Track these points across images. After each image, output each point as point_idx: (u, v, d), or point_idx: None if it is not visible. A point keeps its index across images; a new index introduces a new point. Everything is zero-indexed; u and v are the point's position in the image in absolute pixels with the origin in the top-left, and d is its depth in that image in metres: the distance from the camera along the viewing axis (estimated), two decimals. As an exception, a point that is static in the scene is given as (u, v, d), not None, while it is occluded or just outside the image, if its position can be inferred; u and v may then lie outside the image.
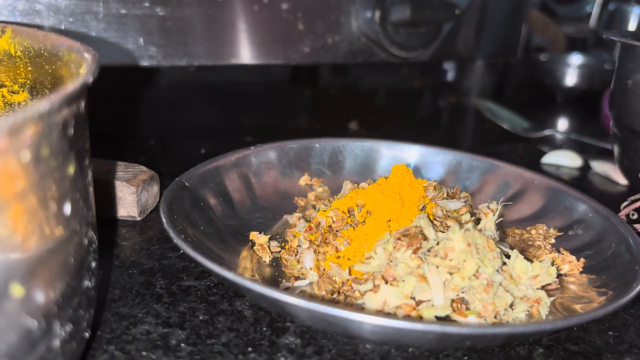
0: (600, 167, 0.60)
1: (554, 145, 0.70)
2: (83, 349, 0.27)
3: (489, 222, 0.35)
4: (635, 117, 0.45)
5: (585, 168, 0.62)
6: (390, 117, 0.80)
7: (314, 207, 0.45)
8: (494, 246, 0.32)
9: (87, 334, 0.27)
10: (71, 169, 0.23)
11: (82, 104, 0.24)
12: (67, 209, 0.23)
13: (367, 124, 0.73)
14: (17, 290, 0.20)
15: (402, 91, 0.99)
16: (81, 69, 0.27)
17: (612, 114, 0.50)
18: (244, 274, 0.36)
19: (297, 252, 0.38)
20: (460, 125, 0.80)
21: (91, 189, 0.27)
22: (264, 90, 0.93)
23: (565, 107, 0.91)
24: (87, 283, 0.26)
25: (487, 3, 0.78)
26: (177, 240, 0.31)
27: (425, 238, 0.33)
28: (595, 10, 1.05)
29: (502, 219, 0.43)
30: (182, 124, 0.72)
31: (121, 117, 0.73)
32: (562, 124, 0.82)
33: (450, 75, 0.98)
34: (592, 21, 1.06)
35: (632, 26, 1.04)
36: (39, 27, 0.35)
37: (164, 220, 0.33)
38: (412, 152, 0.49)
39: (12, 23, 0.37)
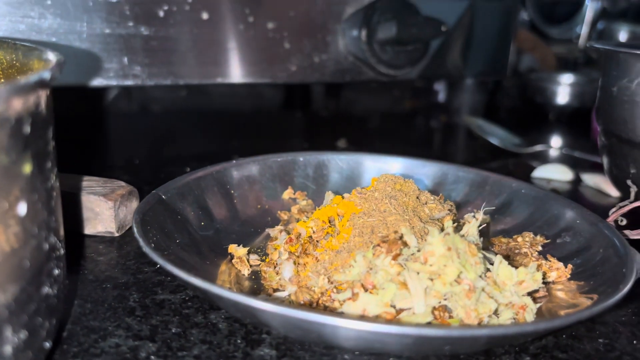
0: (592, 179, 0.59)
1: (545, 160, 0.69)
2: (43, 360, 0.26)
3: (471, 227, 0.34)
4: (621, 123, 0.44)
5: (577, 181, 0.61)
6: (379, 137, 0.79)
7: (297, 220, 0.44)
8: (476, 251, 0.31)
9: (47, 344, 0.25)
10: (26, 168, 0.22)
11: (42, 103, 0.24)
12: (22, 209, 0.22)
13: (356, 142, 0.73)
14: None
15: (394, 113, 0.99)
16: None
17: (599, 124, 0.49)
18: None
19: (276, 264, 0.37)
20: (451, 143, 0.80)
21: (55, 194, 0.26)
22: (256, 114, 0.93)
23: (557, 124, 0.91)
24: (47, 290, 0.25)
25: (475, 22, 0.79)
26: (146, 249, 0.30)
27: (405, 244, 0.32)
28: (584, 30, 1.06)
29: (486, 225, 0.42)
30: (171, 146, 0.71)
31: (109, 139, 0.73)
32: (554, 140, 0.81)
33: (441, 97, 0.98)
34: (582, 41, 1.07)
35: (621, 45, 1.04)
36: (15, 40, 0.34)
37: (135, 230, 0.32)
38: (396, 164, 0.48)
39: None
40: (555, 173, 0.61)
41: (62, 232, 0.27)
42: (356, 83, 0.72)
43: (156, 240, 0.34)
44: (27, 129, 0.22)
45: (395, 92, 1.10)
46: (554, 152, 0.72)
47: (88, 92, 0.86)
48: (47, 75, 0.23)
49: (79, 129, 0.73)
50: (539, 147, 0.70)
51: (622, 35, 1.03)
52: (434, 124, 0.90)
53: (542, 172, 0.62)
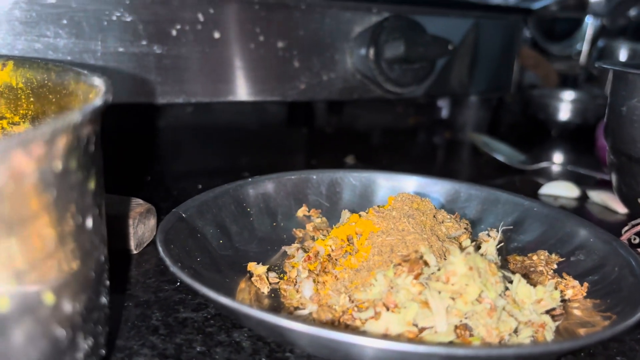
0: (598, 196, 0.60)
1: (550, 177, 0.70)
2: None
3: (490, 246, 0.35)
4: (630, 142, 0.45)
5: (583, 198, 0.62)
6: (386, 153, 0.80)
7: (312, 238, 0.44)
8: (496, 270, 0.32)
9: (103, 352, 0.27)
10: (92, 184, 0.24)
11: (99, 124, 0.25)
12: (89, 223, 0.24)
13: (363, 158, 0.74)
14: (49, 298, 0.21)
15: (398, 129, 1.00)
16: (91, 94, 0.28)
17: (608, 142, 0.50)
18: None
19: (296, 282, 0.37)
20: (456, 159, 0.80)
21: (103, 209, 0.27)
22: (261, 131, 0.94)
23: (560, 140, 0.92)
24: (104, 300, 0.26)
25: (479, 40, 0.80)
26: (174, 269, 0.31)
27: (426, 264, 0.33)
28: (585, 47, 1.08)
29: (502, 244, 0.43)
30: (179, 162, 0.72)
31: (119, 156, 0.73)
32: (558, 156, 0.82)
33: (444, 113, 0.99)
34: (583, 58, 1.08)
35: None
36: (46, 61, 0.35)
37: (160, 249, 0.33)
38: (410, 183, 0.49)
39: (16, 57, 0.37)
40: (562, 190, 0.62)
41: (107, 244, 0.28)
42: (364, 100, 0.73)
43: (179, 259, 0.34)
44: (93, 147, 0.23)
45: (399, 108, 1.11)
46: (558, 169, 0.73)
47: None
48: (109, 97, 0.24)
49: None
50: (543, 164, 0.71)
51: (623, 53, 1.04)
52: (438, 141, 0.90)
53: (549, 189, 0.62)
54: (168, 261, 0.31)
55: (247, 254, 0.41)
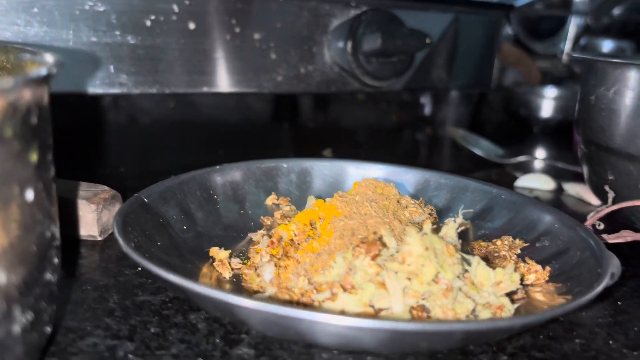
0: (573, 188, 0.60)
1: (528, 170, 0.70)
2: (44, 345, 0.27)
3: (450, 229, 0.34)
4: (599, 131, 0.45)
5: (559, 191, 0.62)
6: (366, 148, 0.80)
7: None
8: (454, 251, 0.32)
9: (48, 329, 0.27)
10: (34, 157, 0.23)
11: (45, 97, 0.25)
12: (30, 195, 0.23)
13: (342, 153, 0.73)
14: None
15: (381, 126, 1.00)
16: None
17: (579, 133, 0.50)
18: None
19: (257, 266, 0.37)
20: (436, 154, 0.80)
21: (54, 187, 0.27)
22: (244, 126, 0.93)
23: (541, 137, 0.92)
24: (49, 276, 0.26)
25: (459, 35, 0.80)
26: (126, 249, 0.30)
27: (384, 245, 0.33)
28: (567, 46, 1.08)
29: (467, 231, 0.43)
30: (157, 157, 0.71)
31: (95, 149, 0.73)
32: (537, 151, 0.82)
33: (427, 110, 0.99)
34: (565, 56, 1.08)
35: (604, 60, 1.06)
36: (4, 43, 0.35)
37: (115, 230, 0.32)
38: (379, 171, 0.49)
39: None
40: (538, 182, 0.62)
41: (58, 224, 0.27)
42: (342, 94, 0.73)
43: (137, 242, 0.34)
44: (35, 119, 0.23)
45: (383, 105, 1.11)
46: (537, 163, 0.73)
47: (75, 100, 0.87)
48: (52, 70, 0.24)
49: (62, 137, 0.73)
50: (521, 158, 0.71)
51: (605, 51, 1.04)
52: (420, 137, 0.90)
53: (524, 182, 0.62)
54: (121, 241, 0.31)
55: (211, 240, 0.41)
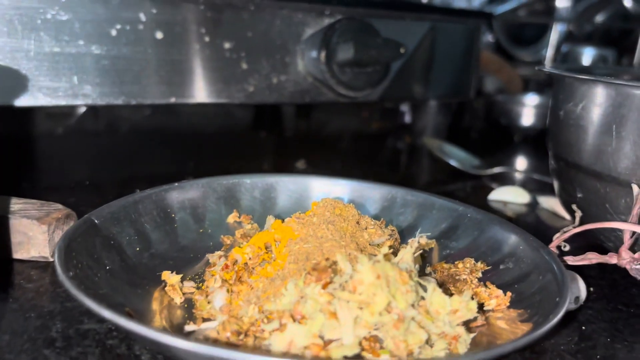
0: (547, 202, 0.59)
1: (504, 182, 0.69)
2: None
3: (406, 254, 0.33)
4: (567, 147, 0.44)
5: (533, 204, 0.61)
6: (342, 158, 0.79)
7: (240, 245, 0.43)
8: (408, 279, 0.31)
9: None
10: None
11: None
12: None
13: (317, 163, 0.72)
14: None
15: (361, 134, 0.99)
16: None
17: (549, 147, 0.49)
18: (151, 317, 0.33)
19: (209, 292, 0.36)
20: (413, 165, 0.79)
21: None
22: (222, 135, 0.92)
23: (522, 146, 0.91)
24: None
25: (437, 44, 0.79)
26: (62, 277, 0.29)
27: (335, 272, 0.31)
28: (549, 53, 1.07)
29: (432, 252, 0.41)
30: (127, 167, 0.70)
31: (64, 160, 0.71)
32: (515, 162, 0.82)
33: (407, 118, 0.98)
34: (547, 63, 1.08)
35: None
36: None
37: (56, 255, 0.31)
38: (346, 188, 0.47)
39: None
40: (512, 195, 0.61)
41: None
42: (316, 104, 0.72)
43: (82, 267, 0.32)
44: None
45: (364, 113, 1.10)
46: (512, 174, 0.72)
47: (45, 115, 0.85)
48: None
49: (14, 149, 0.72)
50: (497, 169, 0.70)
51: (586, 58, 1.04)
52: (399, 145, 0.89)
53: (498, 195, 0.61)
54: (58, 269, 0.30)
55: (166, 262, 0.39)
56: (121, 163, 0.71)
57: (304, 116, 1.06)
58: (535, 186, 0.67)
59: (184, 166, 0.69)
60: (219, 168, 0.70)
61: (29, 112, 0.80)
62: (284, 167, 0.72)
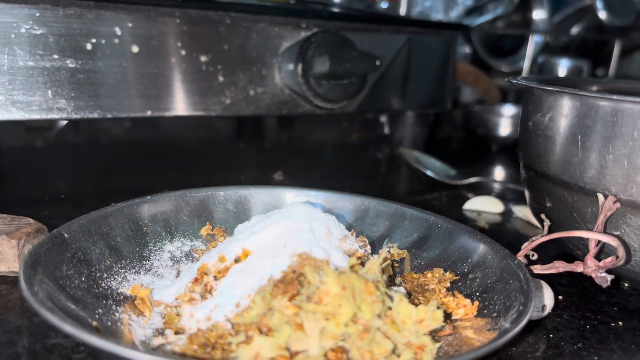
0: (521, 211, 0.60)
1: (480, 191, 0.69)
2: None
3: (373, 264, 0.34)
4: (536, 157, 0.45)
5: (507, 213, 0.62)
6: (320, 168, 0.79)
7: (213, 258, 0.43)
8: (374, 289, 0.31)
9: None
10: None
11: None
12: None
13: (295, 174, 0.73)
14: None
15: (341, 145, 1.00)
16: None
17: (519, 158, 0.50)
18: (119, 331, 0.33)
19: (177, 306, 0.36)
20: (390, 175, 0.80)
21: None
22: (203, 146, 0.92)
23: (499, 156, 0.92)
24: None
25: (413, 56, 0.80)
26: (26, 293, 0.29)
27: (302, 285, 0.31)
28: (526, 64, 1.09)
29: (403, 262, 0.42)
30: (105, 180, 0.70)
31: (41, 173, 0.71)
32: (492, 171, 0.82)
33: (387, 129, 0.98)
34: (524, 74, 1.09)
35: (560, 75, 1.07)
36: None
37: (21, 271, 0.31)
38: (319, 198, 0.48)
39: None
40: (486, 205, 0.61)
41: None
42: (293, 116, 0.72)
43: (48, 282, 0.32)
44: None
45: (345, 124, 1.11)
46: (489, 184, 0.72)
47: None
48: None
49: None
50: (473, 179, 0.71)
51: (562, 69, 1.06)
52: (378, 156, 0.90)
53: (473, 204, 0.62)
54: (22, 284, 0.29)
55: (137, 276, 0.39)
56: (99, 176, 0.71)
57: (286, 127, 1.07)
58: (511, 195, 0.68)
59: (162, 178, 0.69)
60: (198, 180, 0.70)
61: (2, 125, 0.80)
62: (263, 178, 0.72)
